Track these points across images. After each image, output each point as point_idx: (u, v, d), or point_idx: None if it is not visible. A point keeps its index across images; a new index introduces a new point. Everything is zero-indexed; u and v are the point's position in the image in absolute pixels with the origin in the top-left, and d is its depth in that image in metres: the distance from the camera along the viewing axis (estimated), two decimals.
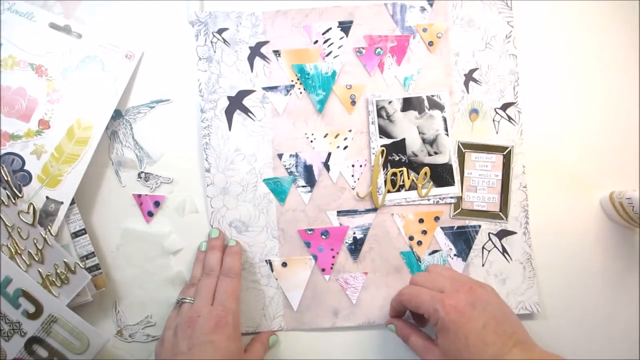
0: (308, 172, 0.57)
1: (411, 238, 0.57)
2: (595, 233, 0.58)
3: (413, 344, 0.50)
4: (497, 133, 0.58)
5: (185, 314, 0.49)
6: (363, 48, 0.57)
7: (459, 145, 0.57)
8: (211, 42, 0.57)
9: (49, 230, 0.51)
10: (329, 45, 0.57)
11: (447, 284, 0.47)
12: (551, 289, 0.57)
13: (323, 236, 0.57)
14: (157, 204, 0.57)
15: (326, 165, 0.57)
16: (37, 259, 0.51)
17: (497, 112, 0.58)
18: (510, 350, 0.42)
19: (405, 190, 0.56)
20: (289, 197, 0.57)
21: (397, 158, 0.57)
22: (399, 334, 0.52)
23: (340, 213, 0.57)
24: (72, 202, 0.53)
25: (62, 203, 0.53)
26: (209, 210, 0.56)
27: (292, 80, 0.57)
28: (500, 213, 0.57)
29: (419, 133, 0.57)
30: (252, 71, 0.57)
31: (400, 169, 0.56)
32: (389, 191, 0.56)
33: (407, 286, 0.51)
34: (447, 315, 0.44)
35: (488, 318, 0.44)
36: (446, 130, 0.57)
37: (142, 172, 0.57)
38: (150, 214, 0.57)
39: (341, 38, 0.58)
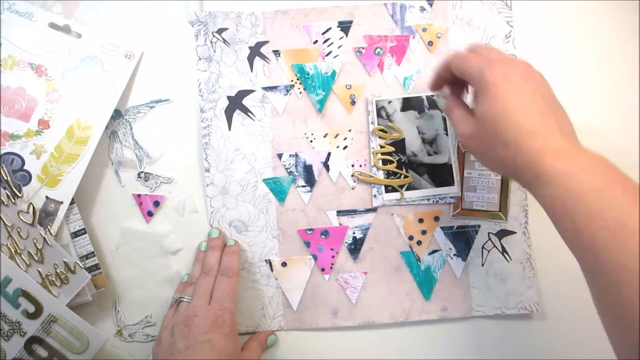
0: (308, 172, 0.57)
1: (411, 238, 0.57)
2: None
3: (454, 116, 0.45)
4: None
5: (182, 313, 0.49)
6: (363, 48, 0.58)
7: (458, 145, 0.57)
8: (211, 42, 0.57)
9: (49, 230, 0.52)
10: (328, 45, 0.57)
11: (504, 57, 0.43)
12: (551, 289, 0.57)
13: (323, 236, 0.57)
14: (156, 203, 0.57)
15: (326, 165, 0.57)
16: (36, 259, 0.51)
17: None
18: (553, 135, 0.37)
19: (406, 190, 0.56)
20: (288, 197, 0.57)
21: (397, 158, 0.57)
22: (446, 107, 0.47)
23: (340, 213, 0.57)
24: (72, 202, 0.53)
25: (61, 203, 0.53)
26: (209, 210, 0.56)
27: (292, 80, 0.57)
28: (500, 213, 0.57)
29: (419, 133, 0.57)
30: (251, 71, 0.57)
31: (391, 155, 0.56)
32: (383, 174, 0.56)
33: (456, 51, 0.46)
34: (493, 77, 0.39)
35: (536, 94, 0.39)
36: (446, 130, 0.57)
37: (142, 172, 0.57)
38: (150, 214, 0.57)
39: (341, 38, 0.58)
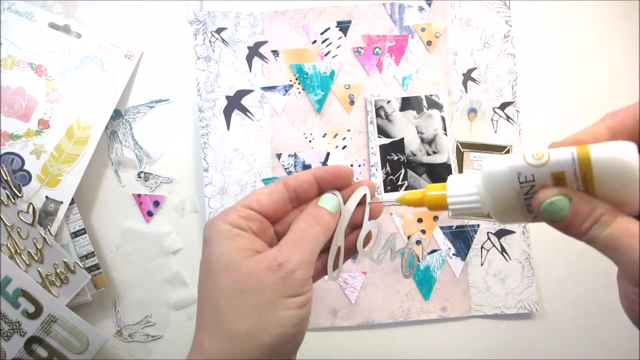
0: None
1: (410, 237, 0.57)
2: None
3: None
4: (495, 132, 0.58)
5: None
6: (361, 48, 0.58)
7: (457, 145, 0.57)
8: (210, 41, 0.57)
9: (49, 230, 0.52)
10: (327, 45, 0.58)
11: None
12: (550, 288, 0.57)
13: None
14: (156, 203, 0.57)
15: (325, 165, 0.57)
16: (36, 259, 0.51)
17: (495, 112, 0.58)
18: None
19: (405, 190, 0.56)
20: None
21: (396, 158, 0.57)
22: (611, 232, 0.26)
23: None
24: (72, 202, 0.54)
25: (61, 203, 0.53)
26: (207, 211, 0.57)
27: (291, 80, 0.57)
28: None
29: (418, 132, 0.57)
30: (250, 71, 0.57)
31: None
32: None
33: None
34: None
35: None
36: (445, 129, 0.57)
37: (142, 171, 0.57)
38: (150, 214, 0.57)
39: (339, 38, 0.58)
